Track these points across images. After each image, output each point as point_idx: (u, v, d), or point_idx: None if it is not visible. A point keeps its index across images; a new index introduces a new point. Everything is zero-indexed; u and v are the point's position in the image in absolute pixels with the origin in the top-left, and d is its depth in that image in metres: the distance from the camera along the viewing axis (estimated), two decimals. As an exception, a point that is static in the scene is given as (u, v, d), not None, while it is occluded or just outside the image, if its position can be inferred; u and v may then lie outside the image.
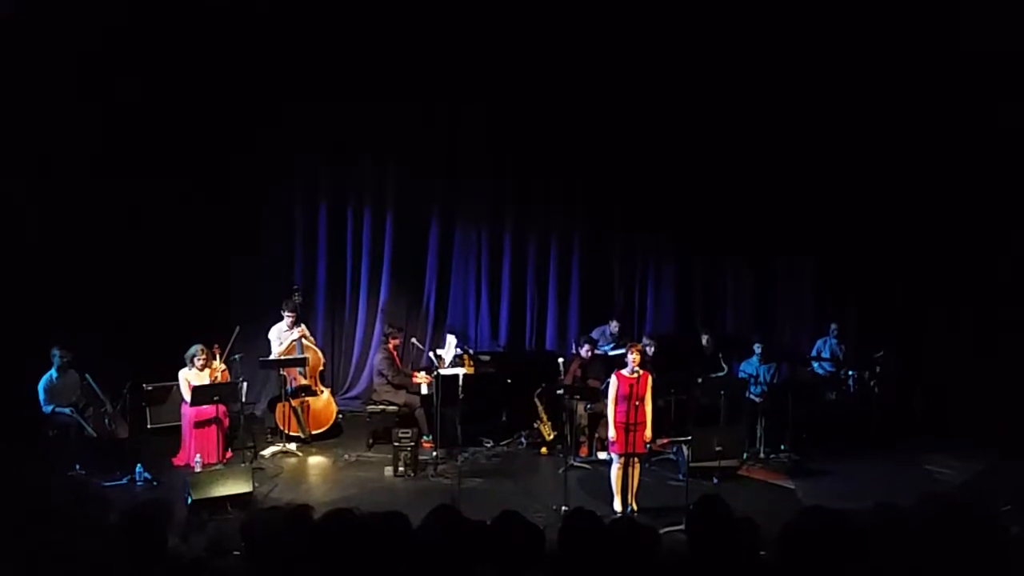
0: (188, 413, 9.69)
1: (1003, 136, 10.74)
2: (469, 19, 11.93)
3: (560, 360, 10.39)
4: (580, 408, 10.32)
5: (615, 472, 8.45)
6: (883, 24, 10.78)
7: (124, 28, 10.43)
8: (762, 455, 10.41)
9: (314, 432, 10.82)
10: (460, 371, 10.45)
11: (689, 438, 8.99)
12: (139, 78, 10.87)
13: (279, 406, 10.67)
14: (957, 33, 10.27)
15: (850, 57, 11.57)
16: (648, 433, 8.39)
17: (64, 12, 9.97)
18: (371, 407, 10.82)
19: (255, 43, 11.38)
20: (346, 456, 10.35)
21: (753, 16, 11.63)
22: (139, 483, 9.00)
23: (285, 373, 10.68)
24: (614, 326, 11.88)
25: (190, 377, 9.78)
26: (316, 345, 11.28)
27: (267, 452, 10.27)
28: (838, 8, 11.09)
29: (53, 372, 9.51)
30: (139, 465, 9.09)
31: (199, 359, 9.81)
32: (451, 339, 11.34)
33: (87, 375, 9.64)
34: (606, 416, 8.65)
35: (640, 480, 8.61)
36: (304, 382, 10.84)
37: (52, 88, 10.26)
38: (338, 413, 11.25)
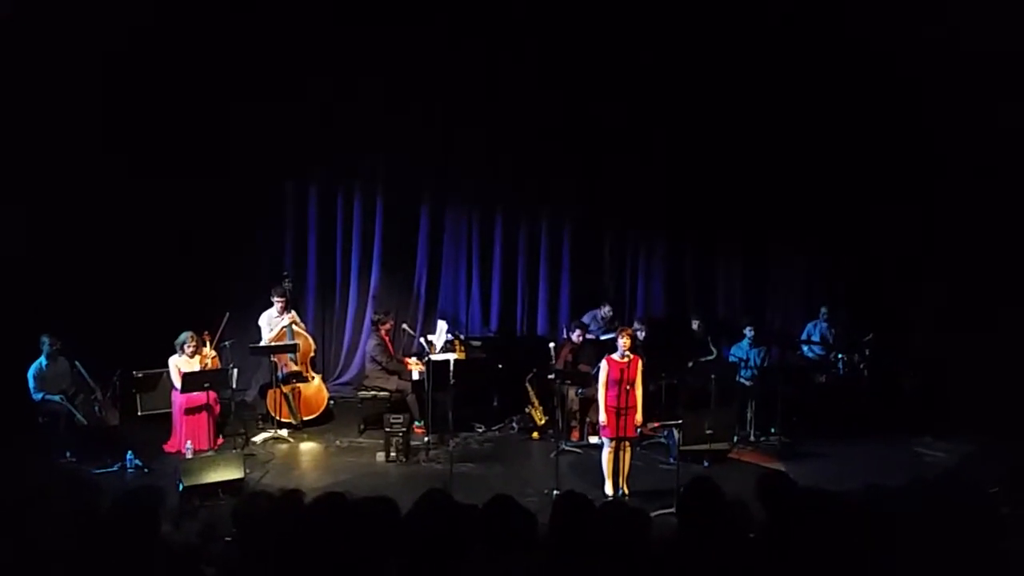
0: (179, 400, 9.68)
1: (994, 116, 10.76)
2: (462, 4, 11.88)
3: (551, 345, 10.44)
4: (571, 393, 10.35)
5: (606, 456, 8.48)
6: (874, 6, 10.77)
7: (123, 16, 10.40)
8: (752, 438, 10.46)
9: (305, 418, 10.81)
10: (451, 357, 10.45)
11: (680, 422, 9.02)
12: (131, 62, 10.81)
13: (270, 392, 10.67)
14: (948, 17, 10.28)
15: (839, 40, 11.54)
16: (639, 417, 8.42)
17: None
18: (362, 393, 10.82)
19: (249, 29, 11.32)
20: (338, 442, 10.36)
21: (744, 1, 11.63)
22: (130, 470, 8.99)
23: (276, 359, 10.67)
24: (606, 310, 11.88)
25: (180, 364, 9.76)
26: (307, 331, 11.26)
27: (258, 438, 10.26)
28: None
29: (43, 360, 9.47)
30: (130, 452, 9.08)
31: (189, 346, 9.79)
32: (442, 325, 11.33)
33: (77, 362, 9.60)
34: (597, 400, 8.67)
35: (631, 464, 8.63)
36: (295, 368, 10.82)
37: (41, 72, 10.18)
38: (329, 399, 11.25)
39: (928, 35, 10.57)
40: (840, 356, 11.68)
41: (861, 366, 11.60)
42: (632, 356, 8.36)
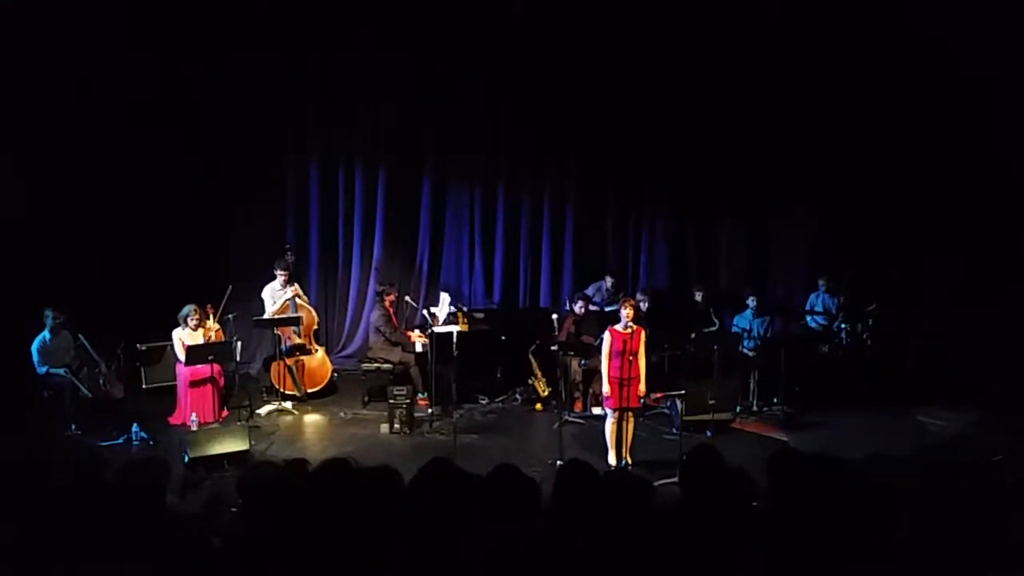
0: (183, 372, 9.71)
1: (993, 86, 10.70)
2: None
3: (554, 317, 10.44)
4: (574, 364, 10.37)
5: (609, 427, 8.51)
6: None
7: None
8: (755, 408, 10.49)
9: (309, 390, 10.85)
10: (454, 329, 10.46)
11: (683, 392, 9.03)
12: (130, 35, 10.77)
13: (274, 365, 10.69)
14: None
15: (841, 14, 11.42)
16: (642, 388, 8.44)
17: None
18: (366, 365, 10.85)
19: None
20: (342, 414, 10.41)
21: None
22: (135, 442, 9.04)
23: (279, 332, 10.69)
24: (609, 282, 11.89)
25: (184, 337, 9.77)
26: (310, 304, 11.27)
27: (263, 410, 10.30)
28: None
29: (46, 333, 9.50)
30: (135, 425, 9.13)
31: (192, 319, 9.80)
32: (445, 297, 11.34)
33: (80, 336, 9.62)
34: (600, 372, 8.68)
35: (634, 434, 8.65)
36: (299, 341, 10.84)
37: (41, 43, 10.14)
38: (333, 371, 11.28)
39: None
40: (843, 326, 11.67)
41: (864, 336, 11.59)
42: (635, 327, 8.37)
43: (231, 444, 8.37)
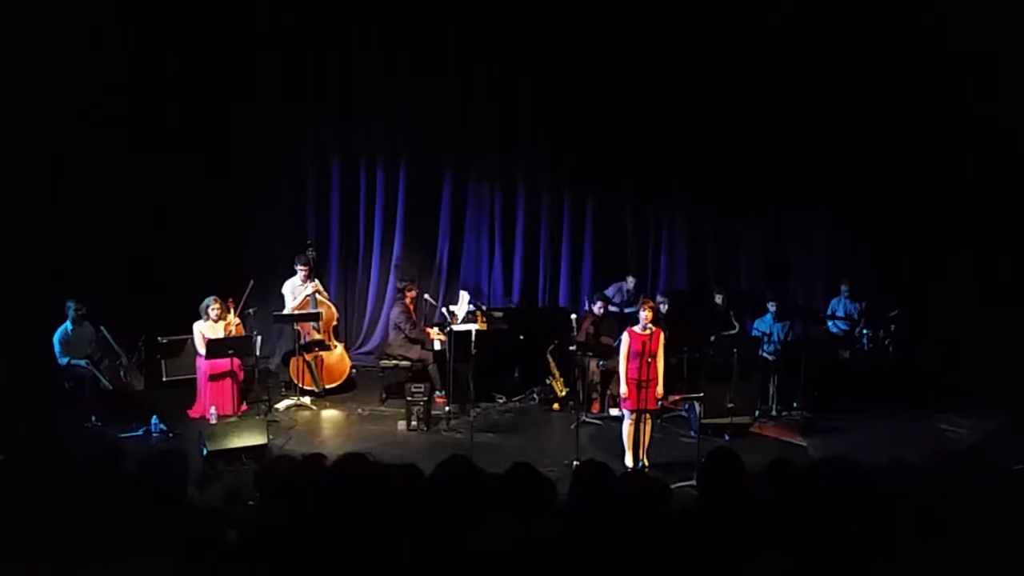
0: (203, 366, 9.76)
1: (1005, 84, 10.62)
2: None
3: (573, 317, 10.40)
4: (592, 365, 10.35)
5: (627, 428, 8.48)
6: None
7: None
8: (774, 412, 10.42)
9: (328, 386, 10.89)
10: (473, 327, 10.46)
11: (701, 395, 8.99)
12: (146, 27, 10.86)
13: (293, 360, 10.73)
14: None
15: (860, 16, 11.35)
16: (660, 390, 8.41)
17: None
18: (384, 362, 10.88)
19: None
20: (359, 410, 10.43)
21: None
22: (155, 435, 9.09)
23: (299, 328, 10.72)
24: (631, 282, 11.87)
25: (204, 330, 9.82)
26: (329, 300, 11.31)
27: (281, 405, 10.34)
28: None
29: (68, 324, 9.56)
30: (155, 417, 9.18)
31: (213, 310, 9.84)
32: (464, 295, 11.35)
33: (102, 327, 9.71)
34: (618, 373, 8.66)
35: (651, 436, 8.62)
36: (318, 337, 10.88)
37: (57, 38, 10.22)
38: (352, 368, 11.31)
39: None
40: (865, 332, 11.59)
41: (886, 342, 11.50)
42: (654, 329, 8.34)
43: (249, 438, 8.41)
